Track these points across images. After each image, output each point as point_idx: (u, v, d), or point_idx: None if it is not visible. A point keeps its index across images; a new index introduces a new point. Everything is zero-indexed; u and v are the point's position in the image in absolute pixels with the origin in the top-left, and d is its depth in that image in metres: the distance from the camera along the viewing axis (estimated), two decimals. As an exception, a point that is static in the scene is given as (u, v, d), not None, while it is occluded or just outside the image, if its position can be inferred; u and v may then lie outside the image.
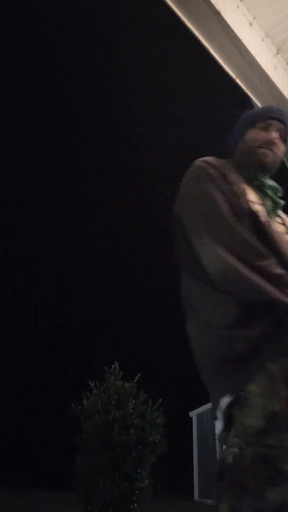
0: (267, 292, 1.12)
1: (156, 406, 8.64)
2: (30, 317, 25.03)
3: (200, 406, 14.71)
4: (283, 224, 1.42)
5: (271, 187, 1.44)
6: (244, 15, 2.35)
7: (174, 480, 17.51)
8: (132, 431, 7.89)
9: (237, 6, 2.30)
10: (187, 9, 2.08)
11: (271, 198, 1.41)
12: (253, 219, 1.29)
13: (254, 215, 1.29)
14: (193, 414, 14.81)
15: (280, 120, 1.47)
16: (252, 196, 1.36)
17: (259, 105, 2.66)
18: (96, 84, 23.79)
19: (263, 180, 1.44)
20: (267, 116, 1.48)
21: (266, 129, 1.46)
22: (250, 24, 2.40)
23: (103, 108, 24.38)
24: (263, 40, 2.51)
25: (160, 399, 8.80)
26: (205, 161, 1.43)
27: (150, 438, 8.11)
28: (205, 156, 1.49)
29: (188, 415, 14.97)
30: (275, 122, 1.46)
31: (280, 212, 1.46)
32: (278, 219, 1.42)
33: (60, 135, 25.25)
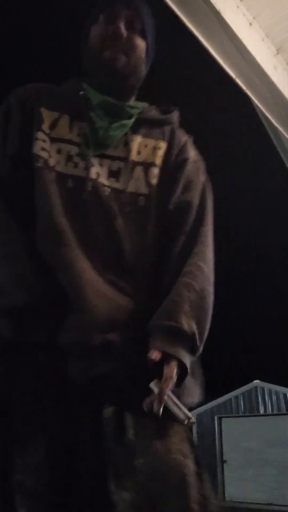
0: None
1: (156, 406, 8.65)
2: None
3: (200, 406, 14.73)
4: (122, 158, 0.99)
5: (99, 106, 1.02)
6: (244, 15, 2.35)
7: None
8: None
9: (237, 6, 2.30)
10: (187, 8, 2.09)
11: (96, 123, 1.00)
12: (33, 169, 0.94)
13: (35, 163, 0.94)
14: (193, 414, 14.81)
15: (128, 7, 1.04)
16: (62, 130, 0.99)
17: (259, 105, 2.66)
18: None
19: (90, 96, 1.03)
20: (109, 4, 1.05)
21: (110, 20, 1.04)
22: (250, 24, 2.40)
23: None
24: (263, 40, 2.52)
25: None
26: (14, 92, 1.07)
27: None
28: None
29: (188, 415, 14.97)
30: (122, 11, 1.04)
31: (127, 138, 1.02)
32: (113, 151, 1.00)
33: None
